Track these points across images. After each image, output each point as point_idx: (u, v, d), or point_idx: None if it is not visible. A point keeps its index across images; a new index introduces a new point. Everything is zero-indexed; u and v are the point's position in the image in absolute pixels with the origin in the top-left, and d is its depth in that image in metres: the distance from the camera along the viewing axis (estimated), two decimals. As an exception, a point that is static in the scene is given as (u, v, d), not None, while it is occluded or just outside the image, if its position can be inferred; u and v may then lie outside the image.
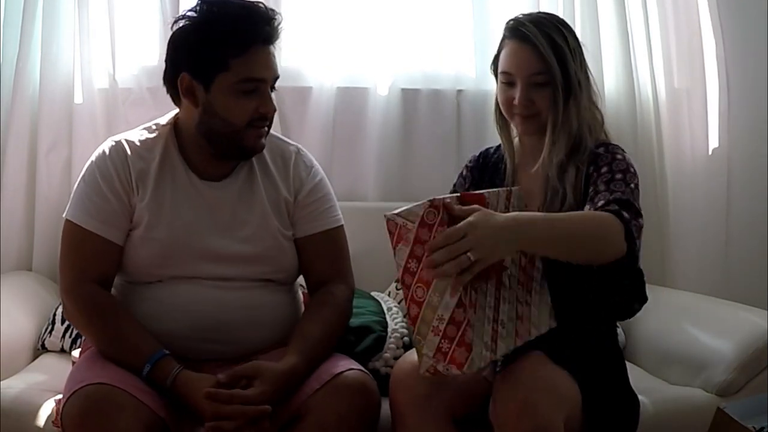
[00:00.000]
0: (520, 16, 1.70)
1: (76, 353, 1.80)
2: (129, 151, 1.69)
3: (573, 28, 1.73)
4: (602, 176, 1.59)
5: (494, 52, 1.74)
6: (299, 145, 1.83)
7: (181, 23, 1.65)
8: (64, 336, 2.10)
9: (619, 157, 1.64)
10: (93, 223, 1.64)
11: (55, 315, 2.13)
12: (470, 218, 1.32)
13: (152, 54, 2.47)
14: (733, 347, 1.89)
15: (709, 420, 1.67)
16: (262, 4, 1.67)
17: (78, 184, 1.71)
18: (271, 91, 1.68)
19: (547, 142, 1.65)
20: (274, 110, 1.68)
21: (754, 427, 1.59)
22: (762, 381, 1.87)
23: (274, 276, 1.72)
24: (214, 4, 1.64)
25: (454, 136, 2.57)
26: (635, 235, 1.47)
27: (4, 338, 1.89)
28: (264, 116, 1.66)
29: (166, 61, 1.68)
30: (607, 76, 2.56)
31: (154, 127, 1.75)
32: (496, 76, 1.74)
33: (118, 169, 1.67)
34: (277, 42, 1.66)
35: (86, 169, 1.71)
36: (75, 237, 1.66)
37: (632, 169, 1.62)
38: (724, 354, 1.89)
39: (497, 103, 1.74)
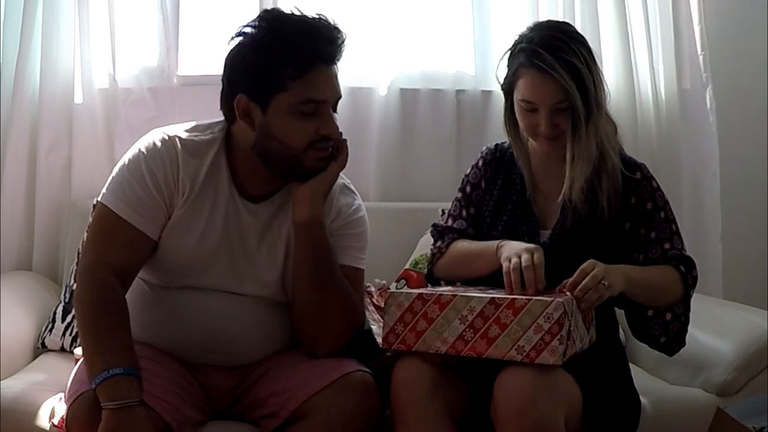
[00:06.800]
0: (534, 37, 1.64)
1: (78, 351, 1.79)
2: (181, 151, 1.61)
3: (582, 35, 1.69)
4: (650, 219, 1.69)
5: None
6: (348, 181, 1.75)
7: (239, 40, 1.58)
8: (64, 334, 2.10)
9: (657, 191, 1.71)
10: (129, 212, 1.56)
11: (55, 313, 2.13)
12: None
13: (152, 54, 2.47)
14: (733, 347, 1.89)
15: (709, 420, 1.67)
16: (326, 19, 1.57)
17: (119, 170, 1.61)
18: (334, 111, 1.60)
19: (568, 171, 1.65)
20: (337, 131, 1.60)
21: (754, 427, 1.59)
22: (762, 381, 1.86)
23: (288, 298, 1.68)
24: (273, 20, 1.56)
25: (454, 135, 2.56)
26: (691, 285, 1.68)
27: (4, 338, 1.88)
28: (326, 137, 1.59)
29: (222, 80, 1.61)
30: (607, 76, 2.52)
31: (209, 129, 1.66)
32: (504, 91, 1.72)
33: (167, 167, 1.59)
34: (339, 62, 1.58)
35: (132, 158, 1.61)
36: (107, 222, 1.58)
37: (669, 204, 1.73)
38: (724, 354, 1.89)
39: (506, 117, 1.73)
